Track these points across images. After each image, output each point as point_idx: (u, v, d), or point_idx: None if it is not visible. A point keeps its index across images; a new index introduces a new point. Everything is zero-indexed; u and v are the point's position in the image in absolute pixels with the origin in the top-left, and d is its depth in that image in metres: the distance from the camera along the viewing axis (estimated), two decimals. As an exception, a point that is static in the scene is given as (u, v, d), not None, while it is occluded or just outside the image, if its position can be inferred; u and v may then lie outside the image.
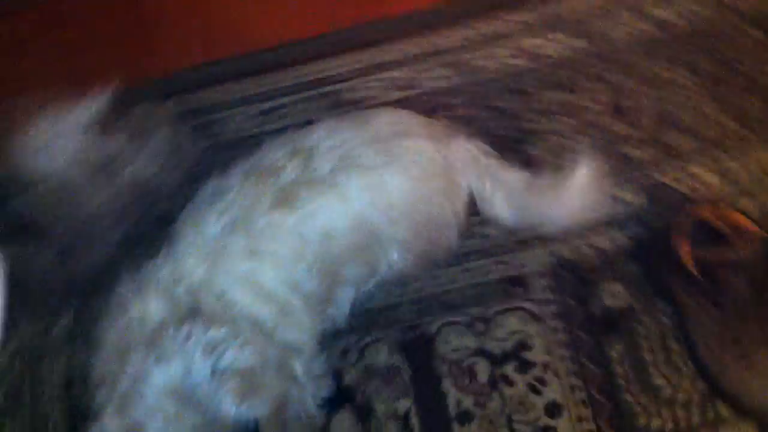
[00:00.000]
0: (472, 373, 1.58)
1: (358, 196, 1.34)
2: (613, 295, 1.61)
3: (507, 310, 1.61)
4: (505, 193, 1.50)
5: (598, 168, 1.46)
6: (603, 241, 1.65)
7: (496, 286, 1.63)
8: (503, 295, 1.62)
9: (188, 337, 1.15)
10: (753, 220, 1.47)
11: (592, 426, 1.52)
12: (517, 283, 1.63)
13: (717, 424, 1.51)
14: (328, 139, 1.36)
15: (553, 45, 1.84)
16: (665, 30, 1.83)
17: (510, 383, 1.56)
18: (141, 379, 1.14)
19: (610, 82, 1.78)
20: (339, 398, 1.58)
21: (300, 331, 1.32)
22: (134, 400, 1.13)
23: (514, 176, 1.51)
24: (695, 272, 1.46)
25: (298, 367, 1.31)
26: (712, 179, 1.66)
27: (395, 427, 1.56)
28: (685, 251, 1.48)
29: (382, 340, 1.61)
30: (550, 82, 1.80)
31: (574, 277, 1.63)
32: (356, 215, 1.34)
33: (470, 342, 1.59)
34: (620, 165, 1.70)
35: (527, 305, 1.61)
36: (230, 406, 1.13)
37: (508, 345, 1.59)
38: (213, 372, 1.14)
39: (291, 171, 1.32)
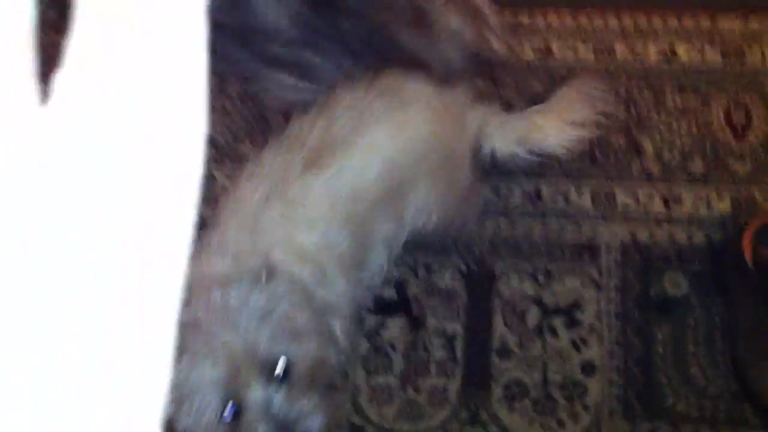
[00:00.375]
0: (522, 317, 1.68)
1: (380, 145, 1.39)
2: (675, 284, 1.68)
3: (571, 270, 1.71)
4: (504, 129, 1.59)
5: (586, 87, 1.59)
6: (680, 234, 1.72)
7: (567, 247, 1.73)
8: (572, 256, 1.72)
9: (253, 284, 1.21)
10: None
11: (620, 393, 1.60)
12: (588, 249, 1.72)
13: (740, 426, 1.57)
14: (345, 100, 1.43)
15: (692, 53, 1.91)
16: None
17: (555, 334, 1.66)
18: (204, 306, 1.19)
19: (732, 97, 1.85)
20: (397, 306, 1.72)
21: (336, 292, 1.35)
22: (194, 324, 1.18)
23: (510, 115, 1.63)
24: (751, 266, 1.52)
25: (336, 326, 1.35)
26: (801, 205, 1.70)
27: (440, 345, 1.68)
28: (747, 247, 1.55)
29: (450, 265, 1.73)
30: (677, 85, 1.88)
31: (643, 258, 1.71)
32: (381, 164, 1.39)
33: (529, 289, 1.70)
34: (718, 172, 1.77)
35: (591, 271, 1.70)
36: (264, 340, 1.18)
37: (563, 301, 1.68)
38: (266, 311, 1.19)
39: (316, 136, 1.38)
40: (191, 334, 1.16)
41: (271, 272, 1.23)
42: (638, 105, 1.87)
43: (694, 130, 1.83)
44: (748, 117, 1.83)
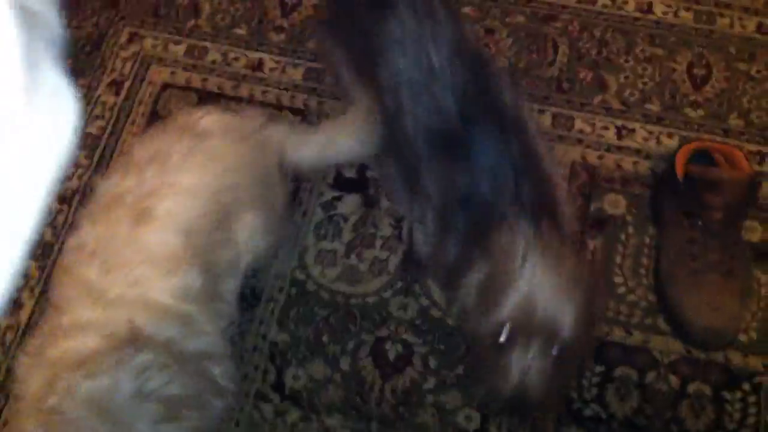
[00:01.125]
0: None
1: (195, 183, 1.36)
2: (614, 204, 1.80)
3: (521, 178, 1.83)
4: (302, 146, 1.60)
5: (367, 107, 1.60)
6: (627, 162, 1.85)
7: (521, 159, 1.85)
8: (524, 167, 1.84)
9: (119, 361, 1.15)
10: (749, 161, 1.64)
11: (546, 287, 1.71)
12: (539, 162, 1.85)
13: (650, 332, 1.68)
14: (144, 150, 1.40)
15: (665, 8, 2.06)
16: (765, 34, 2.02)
17: (496, 230, 1.78)
18: (68, 394, 1.12)
19: (697, 53, 1.99)
20: (355, 184, 1.84)
21: (207, 336, 1.32)
22: (58, 414, 1.12)
23: (308, 131, 1.65)
24: (680, 180, 1.64)
25: (216, 371, 1.33)
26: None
27: (388, 223, 1.79)
28: (679, 162, 1.67)
29: (411, 157, 1.85)
30: (648, 36, 2.02)
31: (589, 177, 1.83)
32: (202, 199, 1.36)
33: (479, 188, 1.82)
34: (672, 114, 1.90)
35: (539, 182, 1.82)
36: (146, 428, 1.13)
37: (509, 203, 1.80)
38: (138, 392, 1.14)
39: (131, 191, 1.33)
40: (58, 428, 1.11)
41: (136, 345, 1.18)
42: (610, 47, 2.00)
43: (657, 76, 1.97)
44: (709, 72, 1.97)
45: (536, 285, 1.23)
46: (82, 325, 1.21)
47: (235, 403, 1.42)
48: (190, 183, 1.35)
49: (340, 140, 1.63)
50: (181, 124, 1.46)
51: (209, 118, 1.46)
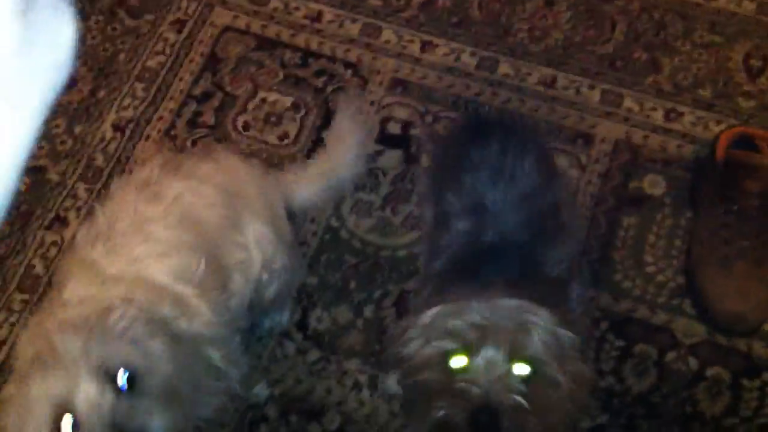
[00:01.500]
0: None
1: (209, 174, 1.44)
2: (654, 184, 1.80)
3: (563, 150, 1.84)
4: (302, 181, 1.68)
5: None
6: (672, 144, 1.84)
7: (566, 130, 1.87)
8: (568, 139, 1.85)
9: (108, 312, 1.20)
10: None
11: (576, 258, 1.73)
12: (584, 137, 1.86)
13: (675, 314, 1.68)
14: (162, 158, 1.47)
15: (728, -1, 2.05)
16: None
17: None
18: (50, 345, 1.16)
19: (756, 44, 1.97)
20: (398, 140, 1.87)
21: (204, 321, 1.33)
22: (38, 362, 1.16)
23: (307, 164, 1.73)
24: (720, 163, 1.64)
25: (214, 353, 1.34)
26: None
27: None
28: (720, 145, 1.67)
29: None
30: (708, 22, 2.01)
31: (631, 156, 1.83)
32: (213, 189, 1.42)
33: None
34: (723, 102, 1.89)
35: (581, 156, 1.83)
36: (108, 353, 1.15)
37: (548, 173, 1.81)
38: (115, 331, 1.17)
39: (151, 172, 1.41)
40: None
41: (128, 305, 1.22)
42: (668, 30, 1.99)
43: (712, 63, 1.95)
44: (766, 64, 1.95)
45: (494, 306, 1.17)
46: (79, 299, 1.26)
47: (241, 387, 1.45)
48: (202, 174, 1.42)
49: (335, 169, 1.70)
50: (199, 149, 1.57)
51: (225, 152, 1.56)
